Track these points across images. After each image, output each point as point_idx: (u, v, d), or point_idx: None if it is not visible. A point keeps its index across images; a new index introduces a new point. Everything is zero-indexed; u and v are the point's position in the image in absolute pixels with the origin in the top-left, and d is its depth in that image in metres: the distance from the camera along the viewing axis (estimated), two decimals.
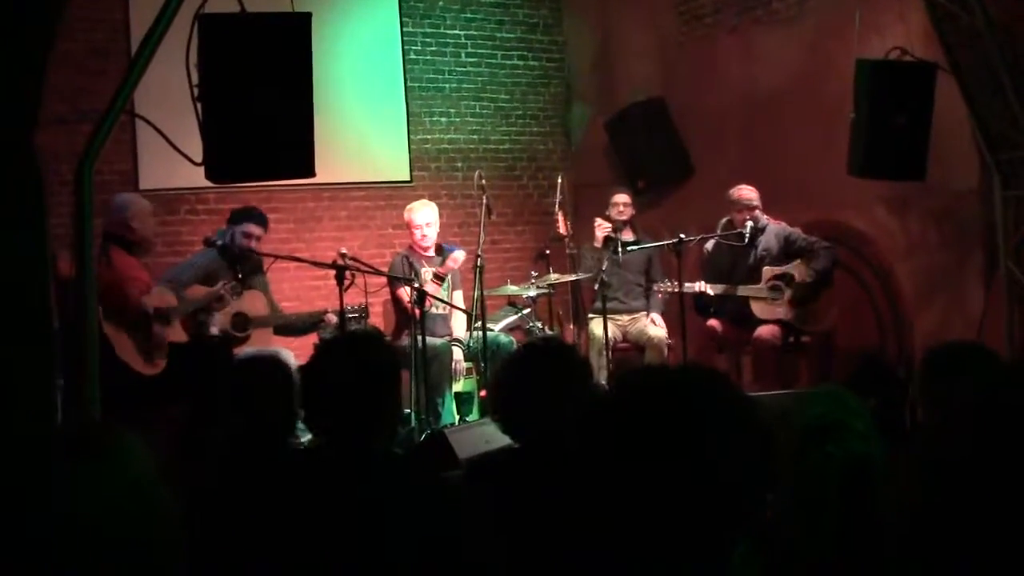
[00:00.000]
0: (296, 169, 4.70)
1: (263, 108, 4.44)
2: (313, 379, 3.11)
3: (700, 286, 7.44)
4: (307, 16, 4.60)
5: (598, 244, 8.03)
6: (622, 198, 8.24)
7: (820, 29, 7.99)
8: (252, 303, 6.78)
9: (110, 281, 5.63)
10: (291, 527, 2.80)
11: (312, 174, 4.68)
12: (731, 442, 1.52)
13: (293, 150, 4.60)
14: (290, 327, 7.18)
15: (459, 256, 7.54)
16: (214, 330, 6.50)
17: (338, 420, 2.98)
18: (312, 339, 7.64)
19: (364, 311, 6.90)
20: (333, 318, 6.86)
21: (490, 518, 3.07)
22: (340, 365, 3.04)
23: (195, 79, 4.41)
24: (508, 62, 10.24)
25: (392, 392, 3.17)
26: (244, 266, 6.79)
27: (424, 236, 7.60)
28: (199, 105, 4.41)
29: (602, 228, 8.05)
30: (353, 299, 6.77)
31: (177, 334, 6.10)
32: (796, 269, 7.46)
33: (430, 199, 8.22)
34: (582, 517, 1.57)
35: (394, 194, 9.39)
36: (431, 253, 7.64)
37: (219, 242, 6.69)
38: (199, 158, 4.44)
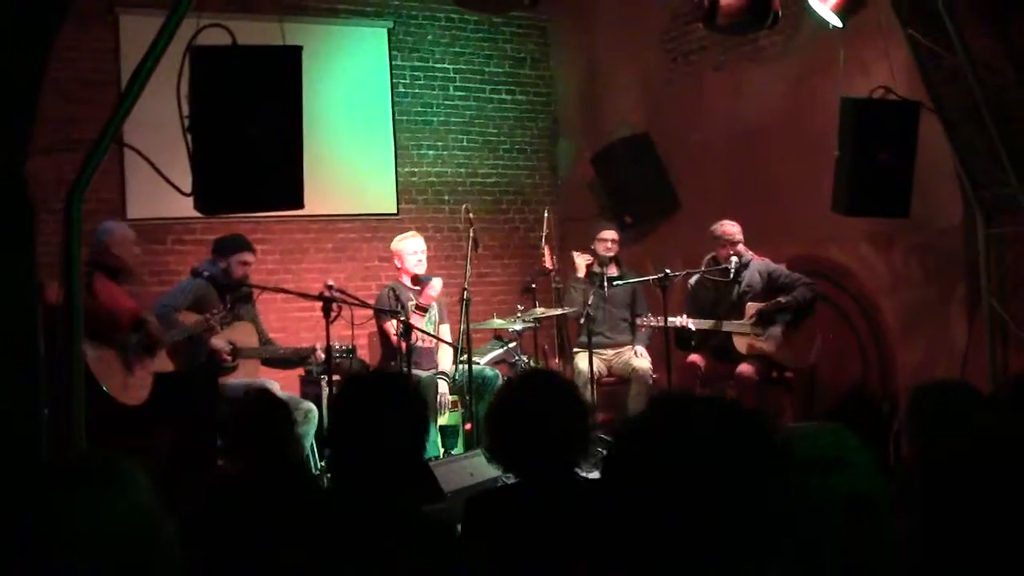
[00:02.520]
0: (285, 201, 4.70)
1: (253, 140, 4.44)
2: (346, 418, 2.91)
3: (682, 320, 7.46)
4: (298, 49, 4.62)
5: (581, 274, 8.07)
6: (610, 234, 8.27)
7: (805, 67, 8.06)
8: (242, 334, 6.77)
9: (94, 310, 5.61)
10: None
11: (300, 206, 4.68)
12: (759, 477, 1.54)
13: (282, 182, 4.60)
14: (278, 360, 7.17)
15: (436, 284, 7.55)
16: (218, 343, 6.52)
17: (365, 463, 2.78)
18: (298, 371, 7.65)
19: (352, 351, 6.89)
20: (321, 355, 6.83)
21: (490, 556, 3.02)
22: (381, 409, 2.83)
23: (186, 110, 4.42)
24: (496, 96, 10.31)
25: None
26: (234, 295, 6.78)
27: (420, 261, 7.63)
28: (189, 136, 4.42)
29: (583, 257, 8.10)
30: (339, 330, 6.75)
31: (163, 364, 6.09)
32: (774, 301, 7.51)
33: (417, 231, 8.23)
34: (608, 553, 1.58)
35: (380, 226, 9.42)
36: (416, 285, 7.65)
37: (206, 273, 6.68)
38: (187, 189, 4.45)
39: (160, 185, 4.54)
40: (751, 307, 7.48)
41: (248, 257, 6.95)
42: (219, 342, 6.56)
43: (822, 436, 2.52)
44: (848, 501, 2.40)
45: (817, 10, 7.02)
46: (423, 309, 7.43)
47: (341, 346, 6.78)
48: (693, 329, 7.50)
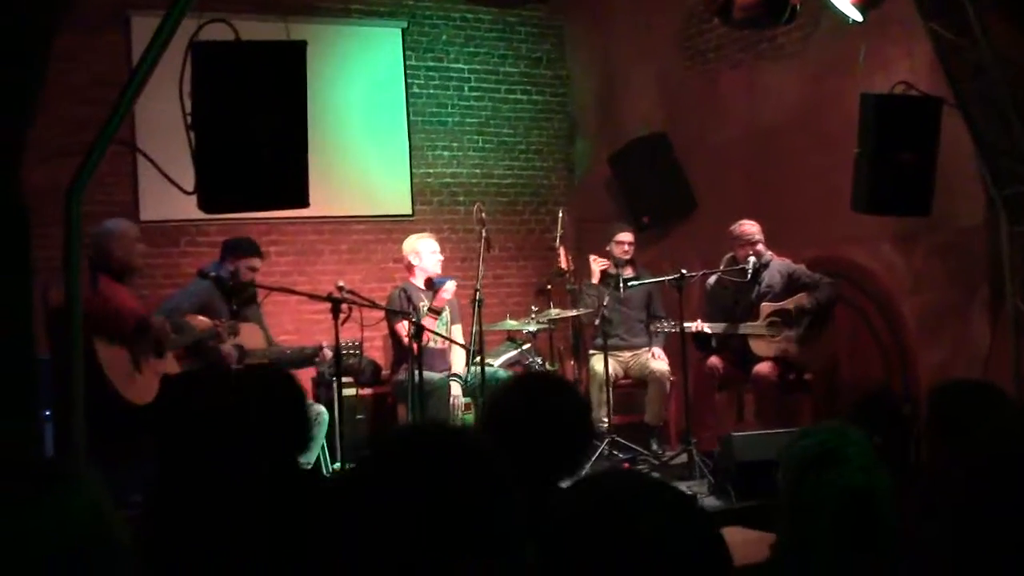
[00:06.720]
0: (289, 200, 4.62)
1: (256, 138, 4.37)
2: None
3: (698, 325, 7.35)
4: (302, 44, 4.54)
5: (595, 279, 7.97)
6: (626, 237, 8.17)
7: (824, 63, 7.95)
8: (249, 336, 6.71)
9: (100, 309, 5.55)
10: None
11: (305, 204, 4.61)
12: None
13: (286, 180, 4.53)
14: (285, 361, 7.09)
15: (450, 287, 7.46)
16: (226, 347, 6.46)
17: None
18: (309, 372, 7.57)
19: (358, 347, 6.80)
20: (328, 353, 6.77)
21: None
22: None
23: (189, 108, 4.35)
24: (511, 96, 10.22)
25: None
26: (239, 298, 6.72)
27: (439, 260, 7.58)
28: (192, 134, 4.35)
29: (598, 262, 8.01)
30: (352, 332, 6.66)
31: (170, 366, 6.03)
32: (794, 302, 7.37)
33: (432, 233, 8.15)
34: None
35: (395, 228, 9.34)
36: (428, 288, 7.57)
37: (213, 274, 6.62)
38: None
39: (173, 187, 4.47)
40: (766, 307, 7.37)
41: (256, 263, 6.94)
42: (227, 347, 6.50)
43: (820, 434, 2.46)
44: (841, 495, 2.33)
45: (837, 5, 6.91)
46: (436, 311, 7.34)
47: (350, 342, 6.69)
48: (710, 333, 7.40)
